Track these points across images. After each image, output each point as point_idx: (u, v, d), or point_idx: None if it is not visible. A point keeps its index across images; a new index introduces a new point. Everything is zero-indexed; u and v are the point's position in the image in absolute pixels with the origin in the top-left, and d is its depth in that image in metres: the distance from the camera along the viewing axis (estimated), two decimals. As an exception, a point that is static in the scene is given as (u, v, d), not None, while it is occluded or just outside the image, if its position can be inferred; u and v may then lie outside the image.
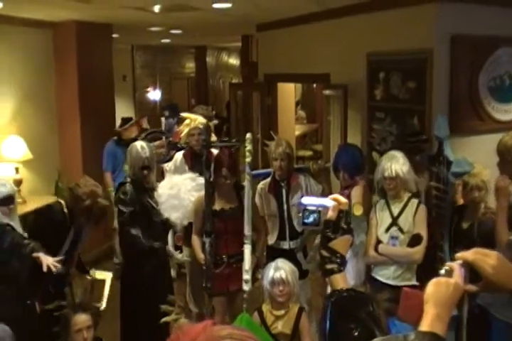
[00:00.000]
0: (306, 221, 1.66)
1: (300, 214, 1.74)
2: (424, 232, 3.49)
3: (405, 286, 3.33)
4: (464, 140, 4.19)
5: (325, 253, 1.57)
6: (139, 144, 4.11)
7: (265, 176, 4.30)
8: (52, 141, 6.25)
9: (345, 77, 5.23)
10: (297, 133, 8.51)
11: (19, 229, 3.61)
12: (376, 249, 3.56)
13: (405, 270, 3.52)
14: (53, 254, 3.45)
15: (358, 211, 3.50)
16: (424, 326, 1.20)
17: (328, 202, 1.62)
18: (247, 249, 3.58)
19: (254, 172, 4.16)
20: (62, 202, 3.76)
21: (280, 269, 3.27)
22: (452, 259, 3.37)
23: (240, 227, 3.65)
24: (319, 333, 3.00)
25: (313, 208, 1.66)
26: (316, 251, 4.00)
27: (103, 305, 3.70)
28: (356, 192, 3.78)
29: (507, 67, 4.41)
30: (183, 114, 4.85)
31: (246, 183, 3.66)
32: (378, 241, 3.58)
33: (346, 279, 1.57)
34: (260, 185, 4.22)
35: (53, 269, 3.36)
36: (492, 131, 4.27)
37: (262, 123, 7.13)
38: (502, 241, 3.15)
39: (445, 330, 1.21)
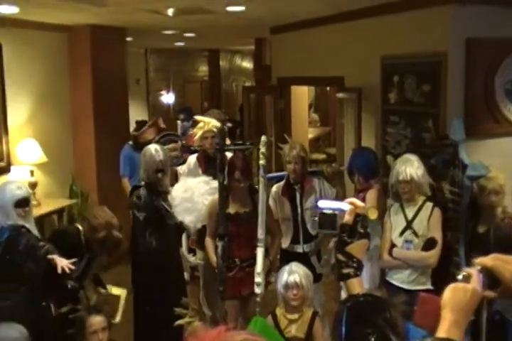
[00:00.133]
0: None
1: (316, 218, 1.73)
2: (438, 236, 3.47)
3: (420, 290, 3.35)
4: (480, 143, 4.16)
5: (341, 257, 1.56)
6: (153, 147, 4.12)
7: (279, 179, 4.29)
8: (67, 144, 6.30)
9: (360, 80, 5.22)
10: (310, 136, 8.49)
11: (34, 231, 3.64)
12: (390, 253, 3.54)
13: (420, 274, 3.50)
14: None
15: (372, 215, 3.48)
16: (442, 332, 1.19)
17: (344, 205, 1.61)
18: (260, 252, 3.57)
19: (268, 175, 4.15)
20: (80, 227, 3.76)
21: (294, 273, 3.26)
22: (468, 264, 3.34)
23: (253, 231, 3.64)
24: (333, 338, 2.99)
25: (330, 212, 1.65)
26: (329, 254, 3.98)
27: (117, 319, 3.70)
28: (371, 196, 3.77)
29: (523, 70, 4.37)
30: (197, 117, 4.86)
31: (260, 186, 3.65)
32: (392, 245, 3.56)
33: (362, 284, 1.56)
34: (274, 188, 4.21)
35: (67, 271, 3.38)
36: (508, 134, 4.25)
37: (275, 126, 7.13)
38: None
39: (462, 337, 1.20)
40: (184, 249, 5.45)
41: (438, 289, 3.34)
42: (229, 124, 6.03)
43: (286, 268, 3.34)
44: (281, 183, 4.19)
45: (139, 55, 10.78)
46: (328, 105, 10.77)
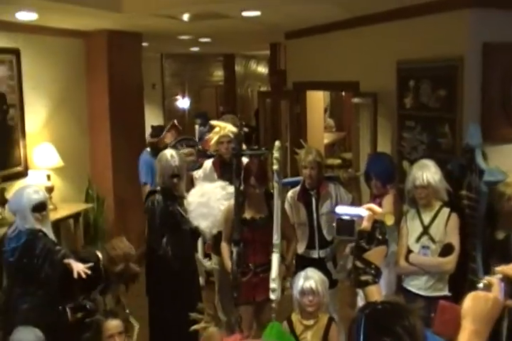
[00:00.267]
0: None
1: (334, 224, 1.72)
2: (456, 242, 3.43)
3: (437, 297, 3.31)
4: (497, 148, 4.12)
5: (359, 264, 1.55)
6: (169, 153, 4.13)
7: (294, 184, 4.29)
8: (83, 148, 6.34)
9: (375, 85, 5.20)
10: (326, 141, 8.47)
11: (51, 235, 3.66)
12: (407, 259, 3.51)
13: (437, 280, 3.46)
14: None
15: (389, 220, 3.45)
16: None
17: (362, 211, 1.60)
18: (275, 258, 3.55)
19: (284, 180, 4.14)
20: (100, 255, 3.76)
21: (310, 279, 3.25)
22: (485, 270, 3.31)
23: (268, 237, 3.63)
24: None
25: (348, 218, 1.64)
26: (345, 260, 3.96)
27: None
28: (387, 201, 3.74)
29: (541, 75, 4.33)
30: (213, 122, 4.86)
31: (275, 192, 3.64)
32: (409, 251, 3.53)
33: (381, 291, 1.54)
34: (290, 194, 4.21)
35: (83, 275, 3.40)
36: (526, 139, 4.20)
37: (290, 131, 7.12)
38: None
39: (483, 348, 1.18)
40: (200, 253, 5.45)
41: (455, 296, 3.33)
42: (245, 129, 6.02)
43: (302, 273, 3.33)
44: (297, 188, 4.18)
45: (154, 60, 10.84)
46: (343, 110, 10.75)
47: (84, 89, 6.33)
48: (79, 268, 3.44)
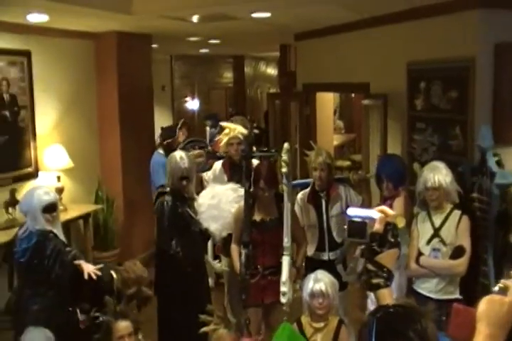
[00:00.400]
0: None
1: (345, 226, 1.70)
2: (467, 244, 3.40)
3: (448, 300, 3.29)
4: (509, 150, 4.09)
5: (371, 267, 1.54)
6: (178, 154, 4.12)
7: (304, 186, 4.27)
8: (93, 150, 6.36)
9: (385, 86, 5.18)
10: (335, 143, 8.46)
11: (61, 236, 3.67)
12: (418, 262, 3.49)
13: (448, 283, 3.43)
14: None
15: (400, 223, 3.43)
16: None
17: (374, 213, 1.59)
18: (286, 261, 3.52)
19: (294, 182, 4.13)
20: (115, 275, 3.75)
21: (320, 281, 3.23)
22: (497, 273, 3.28)
23: (278, 239, 3.62)
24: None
25: (359, 220, 1.62)
26: (355, 262, 3.94)
27: None
28: (398, 203, 3.71)
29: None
30: (223, 124, 4.86)
31: (284, 195, 3.62)
32: (420, 254, 3.50)
33: (392, 294, 1.53)
34: (300, 195, 4.19)
35: (93, 277, 3.41)
36: (538, 142, 4.17)
37: (300, 133, 7.11)
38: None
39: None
40: (209, 255, 5.45)
41: (467, 299, 3.30)
42: (255, 131, 6.01)
43: (312, 276, 3.31)
44: (307, 190, 4.17)
45: (164, 62, 10.86)
46: (352, 112, 10.74)
47: (94, 90, 6.35)
48: (89, 269, 3.45)
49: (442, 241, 3.45)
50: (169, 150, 5.52)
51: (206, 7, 4.70)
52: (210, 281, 5.02)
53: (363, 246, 3.75)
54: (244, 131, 4.50)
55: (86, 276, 3.40)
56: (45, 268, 3.47)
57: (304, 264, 4.04)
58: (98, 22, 5.36)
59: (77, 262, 3.49)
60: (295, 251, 3.84)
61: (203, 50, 10.03)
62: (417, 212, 3.69)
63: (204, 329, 3.23)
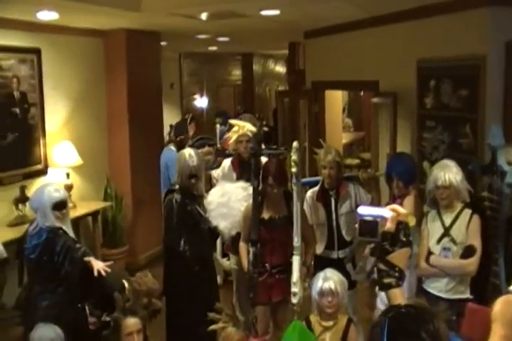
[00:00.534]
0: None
1: (356, 225, 1.69)
2: (478, 243, 3.37)
3: (459, 299, 3.27)
4: (520, 149, 4.06)
5: (382, 266, 1.52)
6: (187, 152, 4.11)
7: (313, 184, 4.26)
8: (102, 147, 6.38)
9: (395, 84, 5.15)
10: (344, 141, 8.44)
11: (71, 233, 3.68)
12: (428, 261, 3.47)
13: (458, 283, 3.40)
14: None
15: (411, 221, 3.41)
16: None
17: (386, 212, 1.57)
18: (296, 261, 3.48)
19: (303, 180, 4.11)
20: (127, 285, 3.75)
21: (329, 280, 3.21)
22: (508, 273, 3.25)
23: (286, 237, 3.60)
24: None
25: (371, 219, 1.61)
26: (365, 261, 3.93)
27: None
28: (408, 202, 3.69)
29: None
30: (232, 121, 4.86)
31: (294, 195, 3.60)
32: (430, 253, 3.48)
33: (404, 294, 1.52)
34: (309, 194, 4.18)
35: (103, 273, 3.41)
36: (549, 140, 4.13)
37: (309, 131, 7.10)
38: None
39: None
40: (218, 253, 5.45)
41: (477, 298, 3.28)
42: (265, 129, 6.01)
43: (321, 274, 3.29)
44: (316, 188, 4.16)
45: (173, 60, 10.88)
46: (361, 110, 10.70)
47: (103, 88, 6.36)
48: (99, 266, 3.46)
49: (453, 241, 3.43)
50: (182, 146, 5.52)
51: (215, 4, 4.69)
52: (219, 279, 5.02)
53: (372, 245, 3.74)
54: (254, 129, 4.49)
55: (96, 273, 3.41)
56: (54, 264, 3.48)
57: (313, 263, 4.03)
58: (107, 19, 5.37)
59: (86, 259, 3.50)
60: (303, 250, 3.83)
61: (212, 48, 10.03)
62: (427, 210, 3.67)
63: (212, 327, 3.23)
